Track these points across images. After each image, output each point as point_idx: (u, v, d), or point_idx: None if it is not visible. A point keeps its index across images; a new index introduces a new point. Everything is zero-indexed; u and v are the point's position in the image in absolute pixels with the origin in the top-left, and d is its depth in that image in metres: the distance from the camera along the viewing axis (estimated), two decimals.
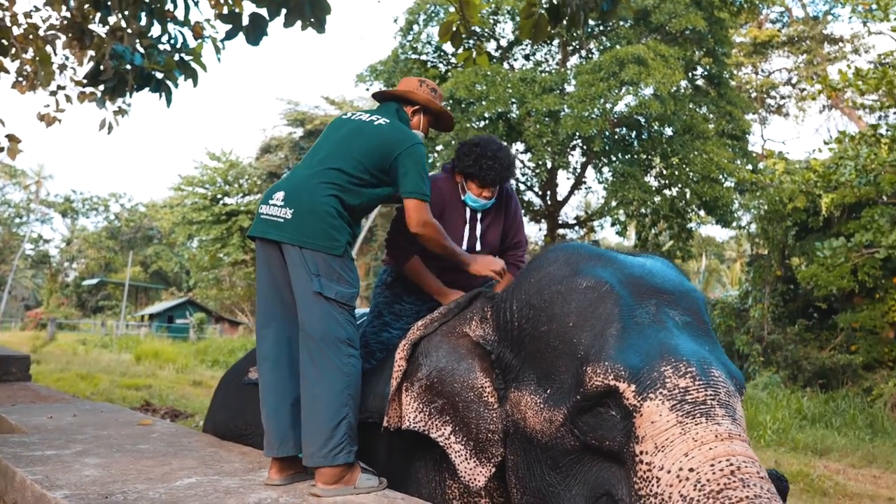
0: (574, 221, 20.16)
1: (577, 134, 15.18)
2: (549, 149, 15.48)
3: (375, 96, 2.80)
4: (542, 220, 19.12)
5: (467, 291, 2.59)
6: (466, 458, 2.13)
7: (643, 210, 16.73)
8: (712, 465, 1.61)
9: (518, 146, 17.78)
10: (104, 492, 2.12)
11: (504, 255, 2.95)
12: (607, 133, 16.30)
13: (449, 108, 15.40)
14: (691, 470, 1.63)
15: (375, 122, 2.59)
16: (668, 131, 16.70)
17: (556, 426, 1.90)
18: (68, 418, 3.67)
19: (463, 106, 15.46)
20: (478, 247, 2.87)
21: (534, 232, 20.61)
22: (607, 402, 1.81)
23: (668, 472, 1.66)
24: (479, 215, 2.89)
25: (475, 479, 2.11)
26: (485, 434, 2.12)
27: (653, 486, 1.67)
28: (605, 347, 1.83)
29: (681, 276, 2.15)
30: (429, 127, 2.80)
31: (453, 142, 15.20)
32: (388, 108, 2.70)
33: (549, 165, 16.96)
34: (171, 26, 6.04)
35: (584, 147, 17.53)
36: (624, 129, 17.09)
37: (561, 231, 19.25)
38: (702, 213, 17.85)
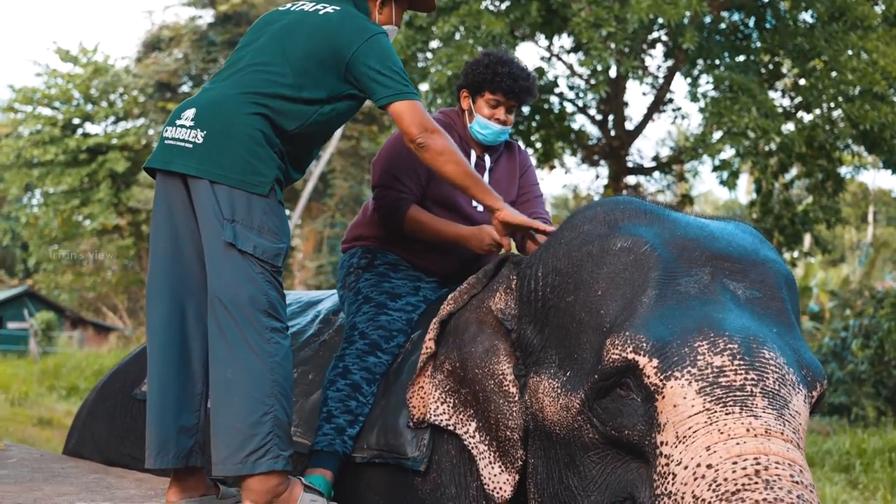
0: (653, 164, 20.53)
1: (658, 22, 15.50)
2: (611, 46, 15.79)
3: None
4: (602, 163, 19.50)
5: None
6: (491, 462, 2.71)
7: (765, 146, 17.06)
8: (735, 463, 2.09)
9: (563, 42, 18.07)
10: None
11: (523, 211, 3.51)
12: (707, 20, 16.59)
13: None
14: (709, 467, 2.11)
15: (321, 12, 3.02)
16: (807, 17, 16.99)
17: (574, 414, 2.42)
18: None
19: None
20: (480, 206, 3.48)
21: (588, 179, 21.05)
22: (628, 383, 2.31)
23: (686, 467, 2.14)
24: (487, 161, 3.57)
25: (500, 488, 2.68)
26: (503, 432, 2.66)
27: (668, 483, 2.17)
28: (632, 317, 2.34)
29: (761, 243, 2.66)
30: (401, 15, 3.29)
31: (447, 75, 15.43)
32: None
33: (612, 73, 17.28)
34: None
35: (670, 43, 17.85)
36: (734, 13, 17.40)
37: (631, 178, 19.62)
38: (860, 150, 18.20)
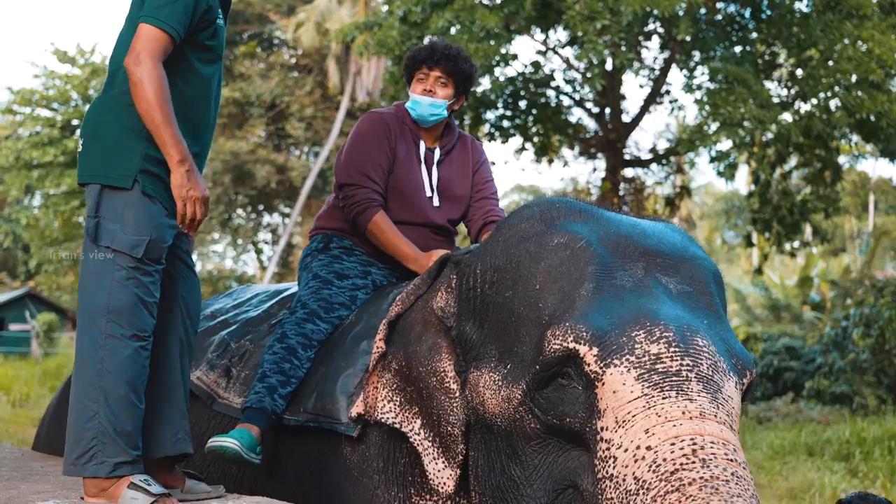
0: (650, 156, 20.58)
1: (653, 14, 15.53)
2: (606, 38, 15.83)
3: None
4: (599, 155, 19.54)
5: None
6: (435, 458, 2.79)
7: (762, 135, 17.10)
8: (672, 444, 2.20)
9: (559, 35, 18.09)
10: None
11: (478, 209, 3.77)
12: (702, 11, 16.62)
13: None
14: (649, 448, 2.22)
15: None
16: (802, 7, 17.03)
17: (515, 405, 2.51)
18: None
19: None
20: (435, 200, 3.64)
21: (586, 172, 21.03)
22: (569, 372, 2.42)
23: (626, 450, 2.25)
24: (436, 153, 3.66)
25: (444, 483, 2.76)
26: (445, 427, 2.75)
27: (609, 466, 2.27)
28: (571, 309, 2.45)
29: (690, 242, 2.81)
30: None
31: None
32: None
33: (608, 66, 17.32)
34: None
35: (665, 35, 17.90)
36: (729, 4, 17.43)
37: (628, 172, 19.63)
38: (858, 139, 18.20)
